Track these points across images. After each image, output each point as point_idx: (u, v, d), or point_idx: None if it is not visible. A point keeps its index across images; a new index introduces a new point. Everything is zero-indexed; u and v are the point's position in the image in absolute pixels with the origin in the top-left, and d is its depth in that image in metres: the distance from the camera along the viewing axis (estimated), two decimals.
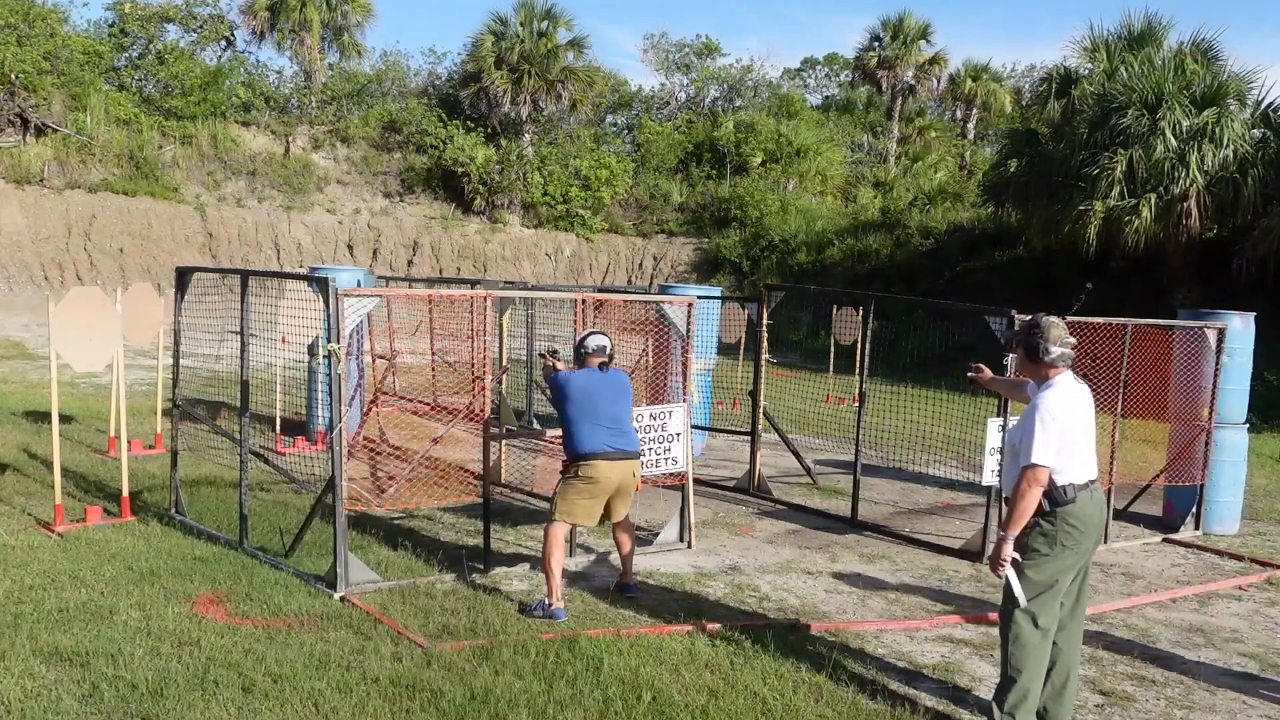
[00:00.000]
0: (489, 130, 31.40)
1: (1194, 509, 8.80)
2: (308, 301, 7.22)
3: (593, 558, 7.13)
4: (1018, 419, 4.87)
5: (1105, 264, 19.79)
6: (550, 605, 5.83)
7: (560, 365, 6.29)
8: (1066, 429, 4.54)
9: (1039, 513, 4.58)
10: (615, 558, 6.70)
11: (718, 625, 5.73)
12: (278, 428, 10.92)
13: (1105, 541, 8.24)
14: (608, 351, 6.23)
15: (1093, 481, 4.65)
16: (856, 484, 8.68)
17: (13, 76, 25.04)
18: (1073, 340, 4.72)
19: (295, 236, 28.25)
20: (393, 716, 4.44)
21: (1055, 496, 4.57)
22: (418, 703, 4.56)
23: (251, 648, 5.07)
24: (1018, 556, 4.55)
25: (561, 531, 6.02)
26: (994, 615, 5.87)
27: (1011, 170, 21.95)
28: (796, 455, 10.13)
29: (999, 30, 78.13)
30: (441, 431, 7.27)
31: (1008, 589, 4.60)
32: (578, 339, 6.39)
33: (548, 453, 8.31)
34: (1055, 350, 4.64)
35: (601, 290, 17.12)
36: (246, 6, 31.79)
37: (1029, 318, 4.82)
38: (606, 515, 6.20)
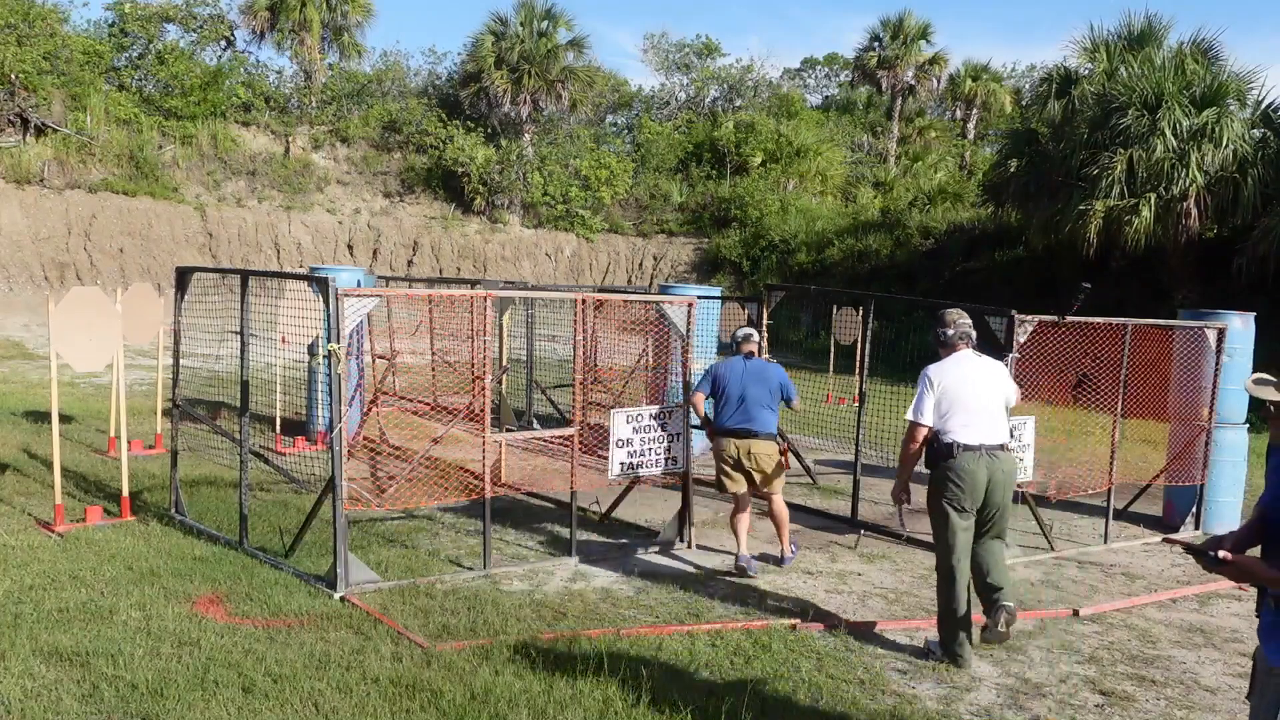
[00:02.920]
0: (489, 130, 31.40)
1: (1194, 509, 8.80)
2: (308, 301, 7.23)
3: (593, 558, 7.13)
4: None
5: (1105, 264, 19.79)
6: (739, 559, 6.85)
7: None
8: (951, 395, 5.37)
9: (930, 464, 5.46)
10: (616, 559, 6.66)
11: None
12: (278, 428, 10.92)
13: (1106, 541, 8.25)
14: (754, 340, 7.27)
15: (985, 444, 5.35)
16: (856, 484, 8.68)
17: (13, 76, 25.03)
18: (968, 321, 5.61)
19: (295, 236, 28.25)
20: (393, 716, 4.44)
21: (937, 452, 5.41)
22: (418, 703, 4.56)
23: (251, 648, 5.07)
24: (903, 500, 5.64)
25: (735, 493, 6.99)
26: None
27: (1011, 170, 21.95)
28: (796, 455, 10.12)
29: (999, 30, 78.16)
30: (442, 431, 7.27)
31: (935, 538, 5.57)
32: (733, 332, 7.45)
33: (548, 453, 8.31)
34: (951, 331, 5.56)
35: (601, 290, 17.12)
36: (246, 6, 31.78)
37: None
38: (754, 486, 7.01)
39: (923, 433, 5.42)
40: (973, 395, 5.44)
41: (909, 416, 5.49)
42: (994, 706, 4.90)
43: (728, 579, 6.80)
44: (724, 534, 8.03)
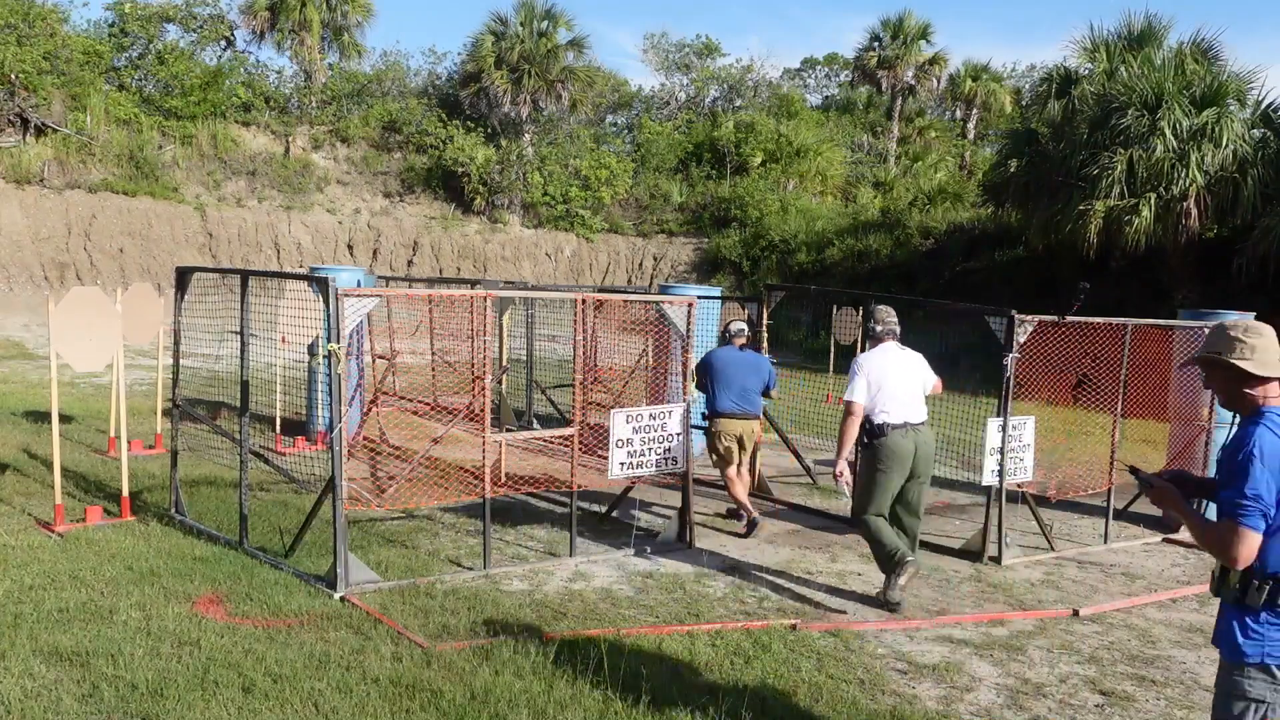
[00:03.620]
0: (489, 130, 31.39)
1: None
2: (308, 301, 7.23)
3: (593, 559, 7.13)
4: None
5: (1105, 264, 19.79)
6: (751, 518, 7.95)
7: None
8: (877, 380, 6.31)
9: (863, 442, 6.40)
10: (615, 560, 6.65)
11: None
12: (278, 428, 10.92)
13: (1106, 541, 8.25)
14: (746, 334, 8.21)
15: (909, 423, 6.31)
16: (856, 484, 8.66)
17: (13, 76, 25.03)
18: (895, 319, 6.61)
19: (295, 236, 28.25)
20: (393, 716, 4.44)
21: (871, 430, 6.34)
22: (418, 703, 4.56)
23: (251, 648, 5.07)
24: (846, 472, 6.28)
25: (730, 470, 7.99)
26: (993, 615, 6.26)
27: (1011, 170, 21.94)
28: (796, 455, 10.12)
29: (999, 30, 78.17)
30: (442, 431, 7.28)
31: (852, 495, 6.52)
32: (722, 325, 8.35)
33: (547, 452, 8.32)
34: (880, 328, 6.60)
35: (601, 290, 17.12)
36: (246, 6, 31.77)
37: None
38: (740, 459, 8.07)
39: (858, 408, 6.30)
40: (897, 381, 6.38)
41: (845, 397, 6.38)
42: (994, 706, 4.90)
43: (727, 579, 6.80)
44: (724, 534, 8.04)
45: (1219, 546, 3.20)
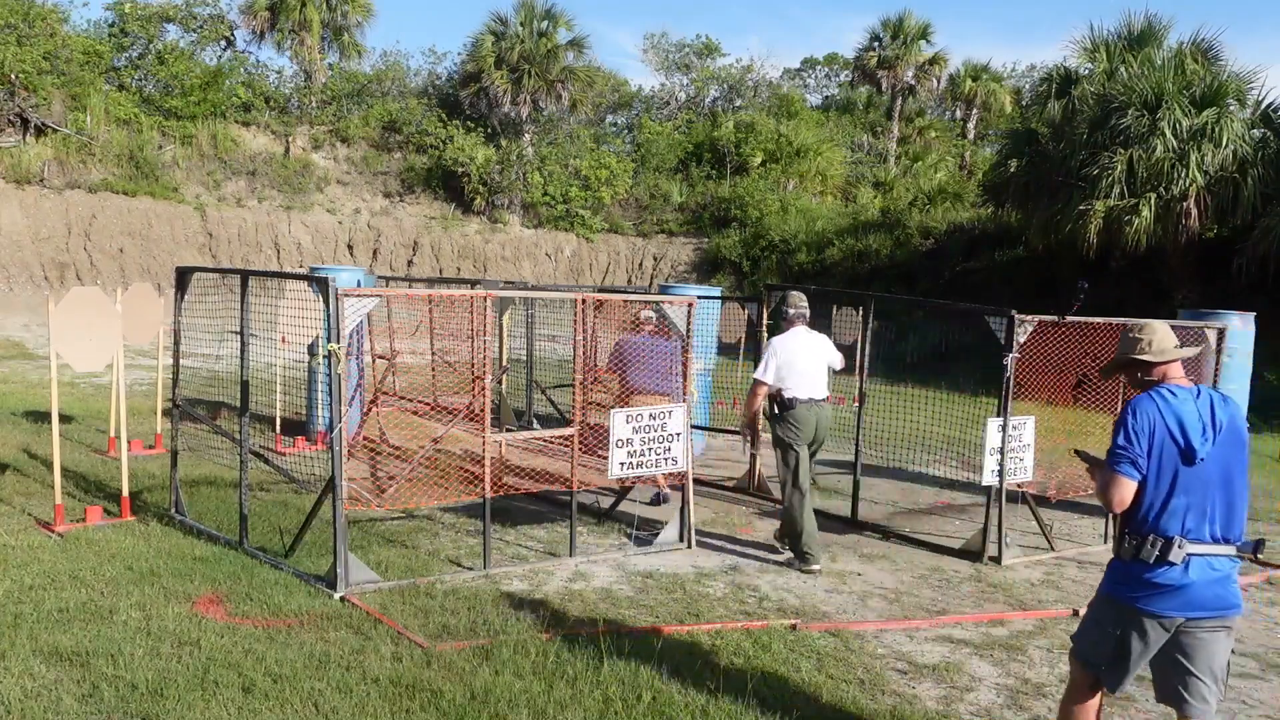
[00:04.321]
0: (489, 130, 31.39)
1: None
2: (308, 301, 7.22)
3: (593, 559, 7.13)
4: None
5: (1105, 264, 19.79)
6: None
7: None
8: (788, 361, 7.04)
9: (775, 415, 7.14)
10: (615, 560, 6.65)
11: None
12: (278, 428, 10.92)
13: (1106, 541, 8.24)
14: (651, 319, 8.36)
15: (814, 398, 7.09)
16: (856, 484, 8.68)
17: (13, 76, 25.03)
18: (805, 304, 7.36)
19: (295, 236, 28.25)
20: (393, 716, 4.44)
21: (782, 403, 7.07)
22: (418, 703, 4.56)
23: (251, 648, 5.07)
24: (748, 441, 7.80)
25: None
26: (993, 615, 6.26)
27: (1011, 170, 21.94)
28: None
29: (999, 30, 78.18)
30: (442, 431, 7.27)
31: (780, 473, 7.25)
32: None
33: (548, 452, 8.31)
34: (792, 311, 7.31)
35: (601, 290, 17.10)
36: (246, 6, 31.77)
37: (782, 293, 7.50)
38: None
39: (764, 390, 7.11)
40: (805, 362, 7.12)
41: (755, 376, 7.15)
42: (994, 706, 4.90)
43: (727, 579, 6.80)
44: (724, 534, 8.04)
45: (1100, 492, 3.76)
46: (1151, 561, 3.63)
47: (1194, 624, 3.65)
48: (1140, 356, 3.83)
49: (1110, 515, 6.68)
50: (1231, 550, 3.74)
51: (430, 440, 7.25)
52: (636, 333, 8.47)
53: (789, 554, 7.21)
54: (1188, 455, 3.64)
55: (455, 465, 7.19)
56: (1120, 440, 3.67)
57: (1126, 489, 3.64)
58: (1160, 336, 3.85)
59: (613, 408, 7.43)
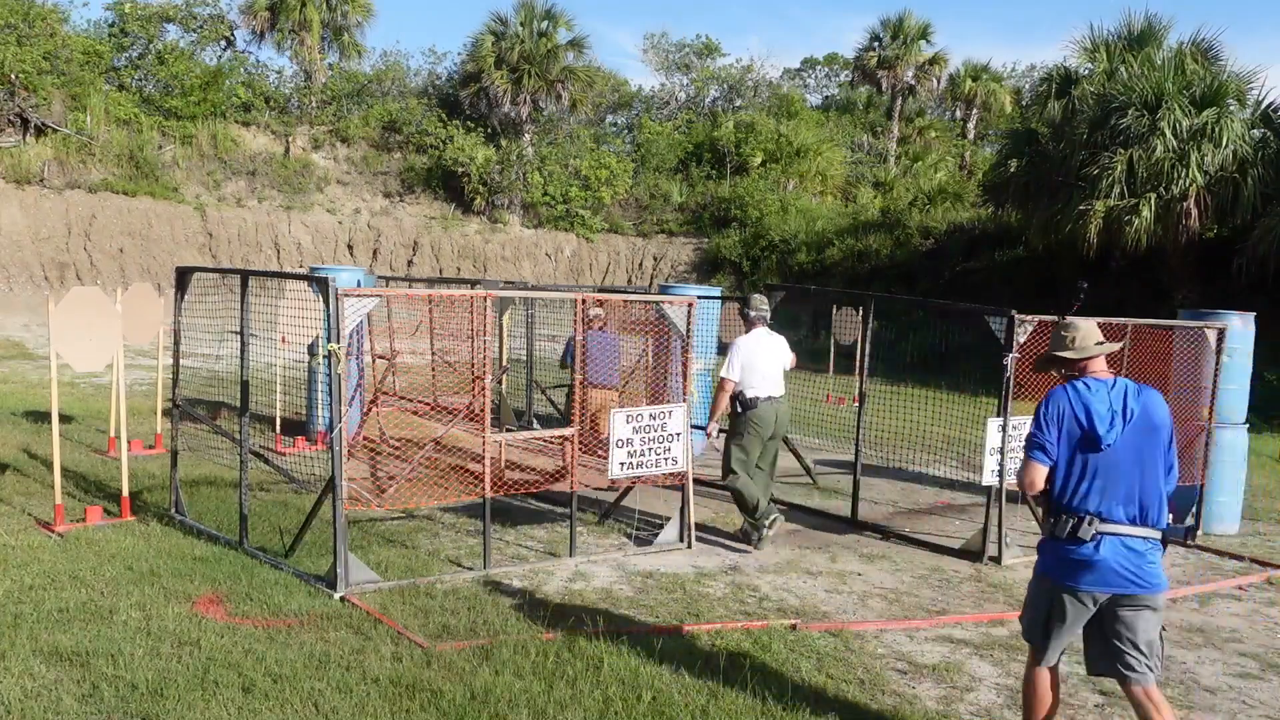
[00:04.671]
0: (489, 130, 31.39)
1: (1194, 509, 8.79)
2: (308, 301, 7.23)
3: (593, 559, 7.13)
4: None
5: (1105, 264, 19.79)
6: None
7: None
8: (750, 361, 7.43)
9: (737, 412, 7.52)
10: (615, 560, 6.65)
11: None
12: (278, 428, 10.92)
13: None
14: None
15: (773, 396, 7.52)
16: (856, 484, 8.68)
17: (13, 76, 25.03)
18: (767, 306, 7.80)
19: (295, 236, 28.25)
20: (393, 716, 4.44)
21: (744, 403, 7.48)
22: (418, 703, 4.56)
23: (251, 648, 5.06)
24: (713, 435, 7.93)
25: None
26: (993, 615, 6.28)
27: (1011, 170, 21.94)
28: (796, 455, 10.12)
29: (999, 30, 78.18)
30: (441, 431, 7.27)
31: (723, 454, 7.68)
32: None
33: (548, 453, 8.32)
34: (753, 314, 7.72)
35: (601, 290, 17.10)
36: (246, 6, 31.77)
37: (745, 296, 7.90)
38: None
39: (730, 385, 7.47)
40: (766, 362, 7.52)
41: (722, 374, 7.50)
42: (994, 706, 4.90)
43: (727, 579, 6.80)
44: (724, 534, 8.04)
45: (1016, 476, 4.41)
46: (1064, 538, 3.98)
47: (1115, 602, 3.97)
48: (1063, 354, 4.18)
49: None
50: (1151, 532, 3.97)
51: (430, 440, 7.25)
52: (590, 329, 8.45)
53: (751, 530, 7.57)
54: (1093, 442, 3.96)
55: (455, 465, 7.19)
56: (1033, 429, 4.07)
57: (1037, 472, 4.04)
58: (1084, 334, 4.17)
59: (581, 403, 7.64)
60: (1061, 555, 4.00)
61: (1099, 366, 4.15)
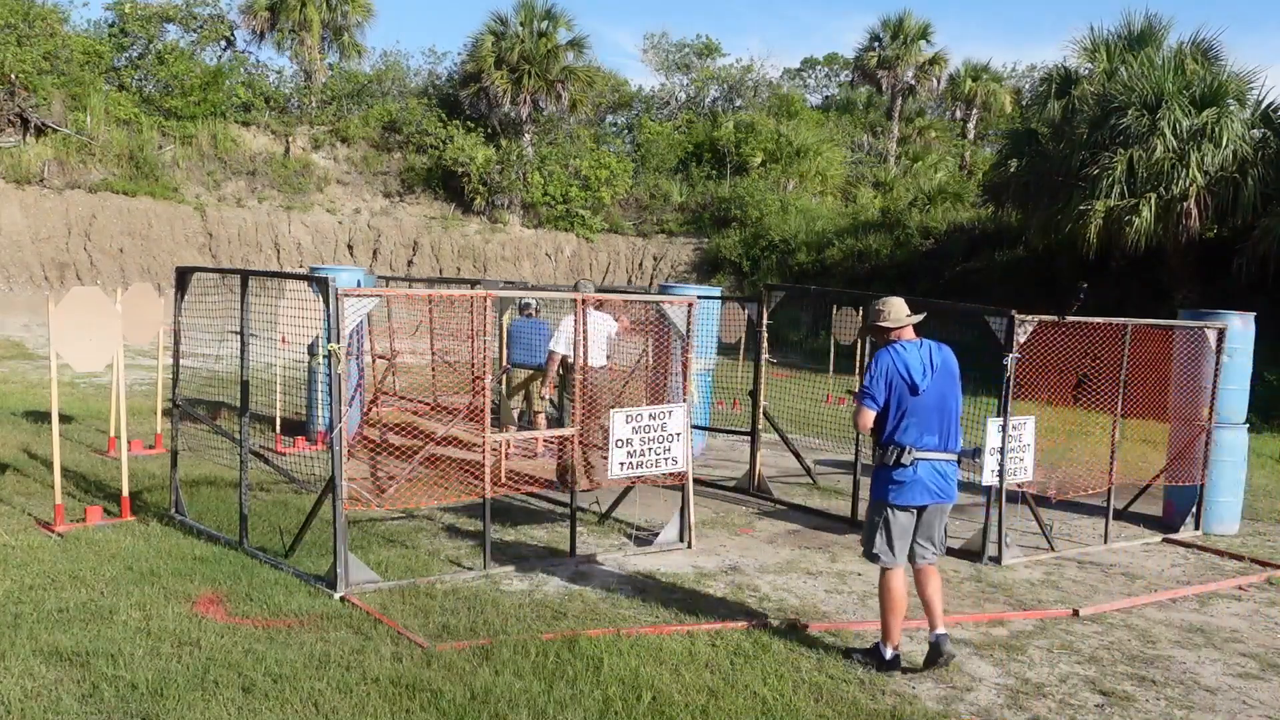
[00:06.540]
0: (489, 130, 31.38)
1: (1194, 509, 8.79)
2: (308, 301, 7.22)
3: (593, 559, 7.13)
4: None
5: (1105, 264, 19.78)
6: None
7: None
8: (568, 334, 7.87)
9: (565, 377, 8.24)
10: (616, 560, 6.65)
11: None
12: (278, 428, 10.92)
13: (1106, 541, 8.25)
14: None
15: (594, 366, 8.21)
16: (856, 484, 8.68)
17: (13, 76, 25.02)
18: (591, 288, 8.45)
19: (295, 236, 28.25)
20: (393, 716, 4.44)
21: (568, 369, 7.98)
22: (418, 703, 4.56)
23: (251, 648, 5.06)
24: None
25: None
26: (993, 615, 6.22)
27: (1011, 170, 21.94)
28: (796, 455, 10.12)
29: (999, 30, 78.18)
30: (442, 431, 7.27)
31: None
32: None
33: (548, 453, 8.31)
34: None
35: (601, 290, 17.08)
36: (246, 6, 31.77)
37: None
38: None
39: (558, 357, 8.74)
40: (592, 340, 7.76)
41: (550, 348, 8.71)
42: (994, 706, 4.90)
43: (727, 579, 6.80)
44: (724, 534, 8.04)
45: (851, 419, 5.36)
46: (891, 464, 5.13)
47: (923, 509, 5.22)
48: (881, 324, 5.28)
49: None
50: (951, 456, 5.21)
51: (430, 440, 7.25)
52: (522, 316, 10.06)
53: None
54: (913, 388, 5.11)
55: (455, 464, 7.19)
56: (866, 382, 5.22)
57: (868, 416, 5.18)
58: (895, 309, 5.28)
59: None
60: (890, 478, 5.14)
61: (909, 334, 5.28)
